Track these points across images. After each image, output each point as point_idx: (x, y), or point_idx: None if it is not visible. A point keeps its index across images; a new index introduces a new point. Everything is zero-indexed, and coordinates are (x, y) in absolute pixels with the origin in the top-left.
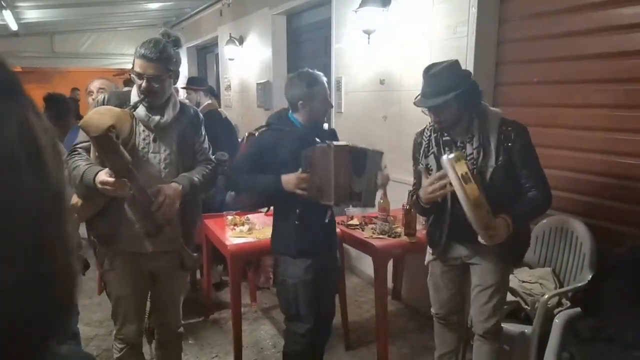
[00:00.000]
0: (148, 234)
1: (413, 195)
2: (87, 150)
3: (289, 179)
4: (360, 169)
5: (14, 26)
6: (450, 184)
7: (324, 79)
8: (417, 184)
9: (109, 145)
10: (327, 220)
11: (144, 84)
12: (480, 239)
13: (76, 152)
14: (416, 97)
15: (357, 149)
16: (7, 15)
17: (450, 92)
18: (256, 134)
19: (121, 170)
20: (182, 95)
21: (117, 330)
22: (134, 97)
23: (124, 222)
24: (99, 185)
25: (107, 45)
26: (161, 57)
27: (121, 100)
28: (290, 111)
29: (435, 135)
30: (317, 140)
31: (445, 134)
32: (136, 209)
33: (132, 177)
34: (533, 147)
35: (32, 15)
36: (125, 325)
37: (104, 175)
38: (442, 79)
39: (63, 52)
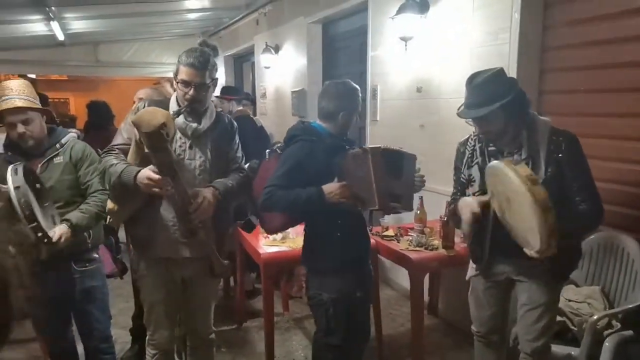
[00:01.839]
0: (183, 236)
1: (451, 204)
2: (124, 152)
3: (331, 189)
4: (396, 170)
5: (60, 36)
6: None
7: None
8: (457, 194)
9: (159, 142)
10: (370, 228)
11: (191, 92)
12: (529, 250)
13: (113, 152)
14: (459, 108)
15: (391, 150)
16: (55, 26)
17: (495, 102)
18: (279, 150)
19: (167, 169)
20: (215, 103)
21: (149, 335)
22: (173, 105)
23: (159, 228)
24: (144, 182)
25: (148, 54)
26: (207, 66)
27: (160, 106)
28: (318, 120)
29: (480, 145)
30: (347, 148)
31: (491, 144)
32: (175, 209)
33: (175, 176)
34: (585, 158)
35: (77, 25)
36: (157, 331)
37: (148, 172)
38: (486, 89)
39: (107, 61)
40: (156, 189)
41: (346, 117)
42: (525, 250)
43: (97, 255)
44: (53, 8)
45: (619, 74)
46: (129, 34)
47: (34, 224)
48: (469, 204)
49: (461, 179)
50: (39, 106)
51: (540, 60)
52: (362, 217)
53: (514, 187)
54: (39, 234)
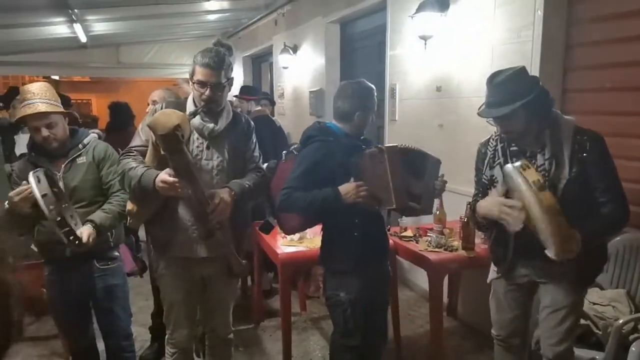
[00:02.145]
0: (201, 236)
1: (472, 207)
2: (142, 154)
3: (347, 189)
4: (415, 170)
5: (83, 38)
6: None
7: None
8: (478, 196)
9: (175, 144)
10: (388, 228)
11: (207, 92)
12: (549, 253)
13: (131, 154)
14: (480, 107)
15: (409, 149)
16: (77, 29)
17: (516, 100)
18: (295, 152)
19: (183, 170)
20: (235, 103)
21: (169, 334)
22: (190, 105)
23: (178, 228)
24: (159, 185)
25: (168, 55)
26: (222, 66)
27: (176, 108)
28: (334, 121)
29: (502, 145)
30: (363, 147)
31: (513, 144)
32: (192, 210)
33: (192, 178)
34: (610, 158)
35: (99, 28)
36: (177, 330)
37: (164, 175)
38: (507, 88)
39: (128, 63)
40: (172, 192)
41: (362, 116)
42: (546, 251)
43: (118, 254)
44: (76, 10)
45: None
46: (150, 35)
47: (67, 229)
48: (499, 204)
49: (483, 180)
50: (61, 109)
51: (564, 58)
52: (381, 217)
53: (523, 192)
54: (71, 237)
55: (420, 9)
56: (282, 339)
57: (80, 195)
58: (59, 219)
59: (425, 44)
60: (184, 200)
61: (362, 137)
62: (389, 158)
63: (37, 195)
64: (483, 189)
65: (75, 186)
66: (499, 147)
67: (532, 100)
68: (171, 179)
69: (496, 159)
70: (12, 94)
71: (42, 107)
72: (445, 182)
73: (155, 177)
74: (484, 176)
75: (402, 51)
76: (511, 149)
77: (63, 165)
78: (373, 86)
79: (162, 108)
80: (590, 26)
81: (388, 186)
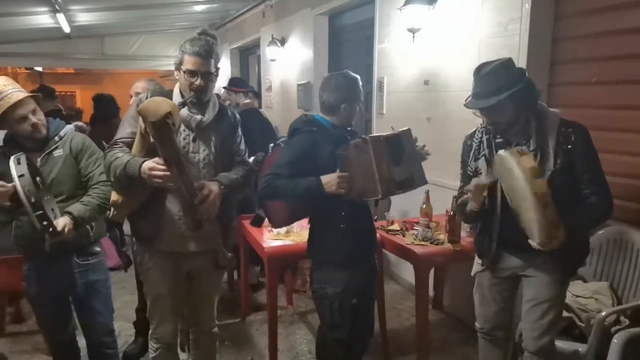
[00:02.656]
0: (189, 228)
1: (458, 199)
2: (129, 145)
3: (329, 180)
4: (398, 155)
5: (66, 29)
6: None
7: None
8: (463, 188)
9: (166, 131)
10: (375, 219)
11: (198, 82)
12: (533, 242)
13: (117, 145)
14: (467, 99)
15: (390, 136)
16: (61, 19)
17: (503, 91)
18: (282, 145)
19: (172, 159)
20: (223, 95)
21: (152, 329)
22: (177, 96)
23: (165, 221)
24: (147, 172)
25: (154, 47)
26: (212, 55)
27: (162, 97)
28: (320, 113)
29: (487, 137)
30: (349, 139)
31: (499, 136)
32: (180, 202)
33: (181, 167)
34: (595, 150)
35: (83, 18)
36: (161, 324)
37: (152, 163)
38: (494, 79)
39: (113, 54)
40: (160, 180)
41: (348, 108)
42: (530, 241)
43: (99, 249)
44: (59, 0)
45: (632, 66)
46: (135, 26)
47: (40, 212)
48: (474, 181)
49: (468, 171)
50: (32, 94)
51: (551, 52)
52: (368, 210)
53: (516, 178)
54: (44, 222)
55: (408, 1)
56: (269, 333)
57: (59, 189)
58: (32, 200)
59: (413, 37)
60: (172, 191)
61: (349, 129)
62: (374, 148)
63: (15, 175)
64: (468, 180)
65: (53, 179)
66: (484, 138)
67: (518, 91)
68: (160, 166)
69: (481, 150)
70: None
71: (22, 95)
72: (424, 146)
73: (142, 164)
74: (469, 168)
75: (390, 44)
76: (496, 140)
77: (39, 159)
78: (357, 76)
79: (147, 97)
80: (577, 20)
81: (374, 176)
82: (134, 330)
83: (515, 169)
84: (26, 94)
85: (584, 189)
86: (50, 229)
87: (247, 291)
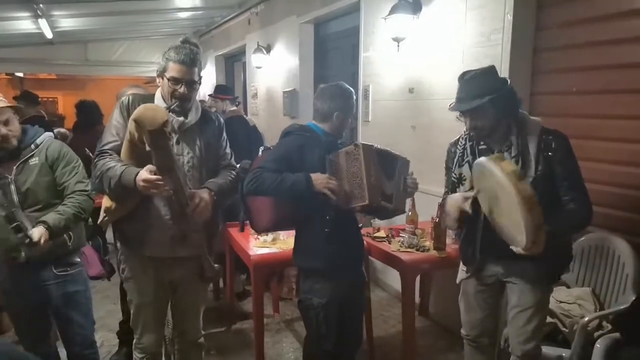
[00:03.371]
0: (174, 238)
1: (443, 206)
2: (117, 151)
3: (318, 177)
4: (388, 170)
5: (49, 34)
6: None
7: None
8: (447, 194)
9: (162, 140)
10: (360, 225)
11: (182, 89)
12: (516, 247)
13: (106, 153)
14: (451, 104)
15: (383, 150)
16: (43, 24)
17: (485, 96)
18: (272, 148)
19: (166, 168)
20: (208, 102)
21: (136, 339)
22: (159, 101)
23: (152, 226)
24: (141, 184)
25: (138, 53)
26: (196, 63)
27: (145, 102)
28: (314, 121)
29: (470, 143)
30: (340, 145)
31: (482, 143)
32: (171, 210)
33: (174, 176)
34: (575, 157)
35: (66, 24)
36: (145, 334)
37: (146, 174)
38: (477, 84)
39: (96, 60)
40: (154, 190)
41: (341, 117)
42: (512, 247)
43: (78, 259)
44: (41, 5)
45: (612, 76)
46: (119, 32)
47: (15, 224)
48: (454, 199)
49: (452, 178)
50: (13, 104)
51: (533, 62)
52: (355, 219)
53: (500, 183)
54: (19, 235)
55: (393, 10)
56: (255, 341)
57: (34, 198)
58: (4, 214)
59: (398, 45)
60: (163, 199)
61: (339, 141)
62: (364, 154)
63: None
64: (452, 187)
65: (28, 189)
66: (467, 145)
67: (500, 96)
68: (153, 177)
69: (465, 157)
70: None
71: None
72: (415, 179)
73: (136, 175)
74: (453, 174)
75: (376, 53)
76: (480, 147)
77: (15, 167)
78: (352, 89)
79: (129, 101)
80: (557, 31)
81: (362, 182)
82: (118, 340)
83: (498, 174)
84: (3, 104)
85: (563, 195)
86: (27, 241)
87: (233, 300)
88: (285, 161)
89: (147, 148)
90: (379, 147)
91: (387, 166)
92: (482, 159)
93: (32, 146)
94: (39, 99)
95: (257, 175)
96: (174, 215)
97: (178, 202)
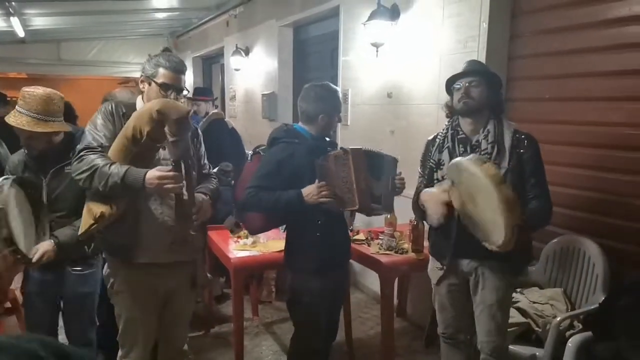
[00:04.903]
0: (176, 240)
1: (416, 194)
2: (104, 149)
3: (309, 191)
4: (377, 172)
5: (21, 33)
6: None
7: None
8: (422, 182)
9: (186, 128)
10: (351, 228)
11: (172, 96)
12: (490, 245)
13: (95, 150)
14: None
15: (371, 152)
16: (15, 22)
17: (488, 71)
18: (262, 153)
19: (184, 158)
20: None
21: (123, 353)
22: (140, 105)
23: (145, 231)
24: (156, 181)
25: (113, 53)
26: (185, 71)
27: (128, 109)
28: (300, 123)
29: (452, 132)
30: (329, 149)
31: (461, 132)
32: (177, 209)
33: (189, 168)
34: (541, 160)
35: (39, 22)
36: (134, 349)
37: (158, 172)
38: (481, 65)
39: (69, 60)
40: (170, 186)
41: (326, 119)
42: (485, 244)
43: (94, 262)
44: (13, 3)
45: (584, 84)
46: (94, 32)
47: (13, 247)
48: (434, 194)
49: (430, 164)
50: (46, 129)
51: (507, 69)
52: (343, 220)
53: (482, 185)
54: (18, 256)
55: (372, 16)
56: (234, 345)
57: (61, 205)
58: (3, 235)
59: (377, 51)
60: (165, 200)
61: (327, 139)
62: (354, 160)
63: None
64: (429, 172)
65: (57, 195)
66: (449, 133)
67: (495, 84)
68: (170, 173)
69: (445, 143)
70: None
71: (21, 122)
72: (403, 179)
73: (145, 174)
74: (431, 160)
75: (355, 57)
76: (459, 136)
77: (51, 171)
78: (337, 88)
79: (112, 108)
80: (531, 39)
81: (352, 187)
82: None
83: (480, 176)
84: (27, 126)
85: (528, 191)
86: (24, 261)
87: (212, 303)
88: (276, 176)
89: (171, 138)
90: (367, 149)
91: (375, 167)
92: (463, 159)
93: (71, 154)
94: (7, 98)
95: (252, 195)
96: (178, 214)
97: (188, 200)
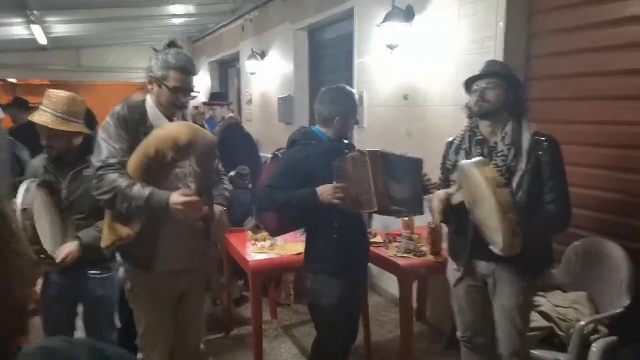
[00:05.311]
0: (194, 252)
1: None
2: (122, 164)
3: (324, 190)
4: (397, 174)
5: (42, 40)
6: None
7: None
8: (440, 185)
9: (212, 159)
10: (369, 231)
11: (183, 98)
12: (495, 248)
13: (114, 167)
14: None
15: (390, 153)
16: (36, 30)
17: (507, 73)
18: (280, 155)
19: (206, 188)
20: (200, 109)
21: (144, 356)
22: (152, 110)
23: (162, 242)
24: (179, 207)
25: (130, 59)
26: (194, 71)
27: (139, 112)
28: (318, 125)
29: (469, 133)
30: (346, 151)
31: (479, 133)
32: (197, 227)
33: (210, 194)
34: (562, 162)
35: (59, 29)
36: (154, 351)
37: (181, 197)
38: (500, 65)
39: (89, 66)
40: (192, 212)
41: (342, 121)
42: (491, 247)
43: (112, 265)
44: (35, 11)
45: (604, 82)
46: (112, 38)
47: (37, 247)
48: (438, 194)
49: (447, 165)
50: (68, 128)
51: (525, 68)
52: (362, 222)
53: (480, 187)
54: (42, 255)
55: (386, 18)
56: (253, 347)
57: (80, 207)
58: (29, 234)
59: (392, 52)
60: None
61: (345, 141)
62: (371, 162)
63: (18, 205)
64: (445, 172)
65: (76, 197)
66: (466, 135)
67: (514, 85)
68: (194, 198)
69: (462, 145)
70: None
71: (46, 119)
72: (430, 179)
73: (169, 198)
74: (448, 161)
75: (370, 59)
76: (476, 137)
77: (70, 174)
78: (353, 90)
79: (125, 112)
80: (549, 38)
81: (370, 189)
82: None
83: (479, 178)
84: (52, 124)
85: (546, 193)
86: (49, 262)
87: (231, 305)
88: (291, 176)
89: (197, 167)
90: (385, 151)
91: (396, 170)
92: (466, 161)
93: (88, 157)
94: (29, 104)
95: (265, 194)
96: (200, 233)
97: (205, 224)
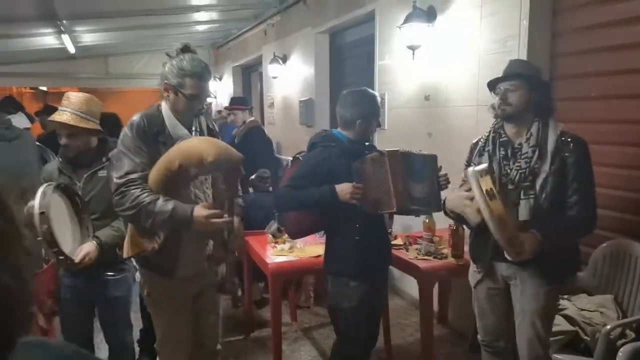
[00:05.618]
0: (211, 260)
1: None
2: (144, 178)
3: (343, 188)
4: (417, 173)
5: (71, 49)
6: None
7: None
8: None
9: (237, 179)
10: (390, 231)
11: (200, 106)
12: (506, 255)
13: (136, 183)
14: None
15: (409, 153)
16: (66, 39)
17: (531, 74)
18: (301, 158)
19: (229, 204)
20: (223, 114)
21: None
22: (170, 118)
23: (182, 250)
24: (204, 221)
25: (157, 66)
26: (210, 77)
27: (156, 121)
28: (339, 128)
29: (493, 135)
30: (366, 152)
31: (503, 134)
32: (215, 238)
33: (232, 208)
34: (590, 164)
35: (88, 38)
36: (174, 356)
37: (205, 210)
38: (524, 65)
39: (117, 73)
40: (217, 225)
41: (364, 124)
42: (505, 252)
43: (126, 266)
44: (64, 21)
45: (630, 80)
46: (139, 46)
47: (55, 249)
48: (457, 195)
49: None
50: (88, 125)
51: (550, 67)
52: (383, 224)
53: (477, 198)
54: (61, 257)
55: (407, 19)
56: (273, 350)
57: (94, 208)
58: (48, 238)
59: (414, 54)
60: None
61: (367, 143)
62: (390, 162)
63: (36, 209)
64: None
65: (91, 198)
66: (490, 136)
67: (541, 85)
68: (218, 212)
69: (486, 147)
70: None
71: (66, 118)
72: (446, 174)
73: (192, 211)
74: (472, 164)
75: (391, 61)
76: (501, 139)
77: (85, 176)
78: (375, 93)
79: (144, 123)
80: (574, 36)
81: (389, 190)
82: (138, 349)
83: (476, 189)
84: (73, 122)
85: (570, 196)
86: (68, 262)
87: (251, 308)
88: (311, 177)
89: (221, 184)
90: (404, 150)
91: (415, 169)
92: (470, 169)
93: (104, 159)
94: None
95: (284, 193)
96: (218, 242)
97: (227, 230)
